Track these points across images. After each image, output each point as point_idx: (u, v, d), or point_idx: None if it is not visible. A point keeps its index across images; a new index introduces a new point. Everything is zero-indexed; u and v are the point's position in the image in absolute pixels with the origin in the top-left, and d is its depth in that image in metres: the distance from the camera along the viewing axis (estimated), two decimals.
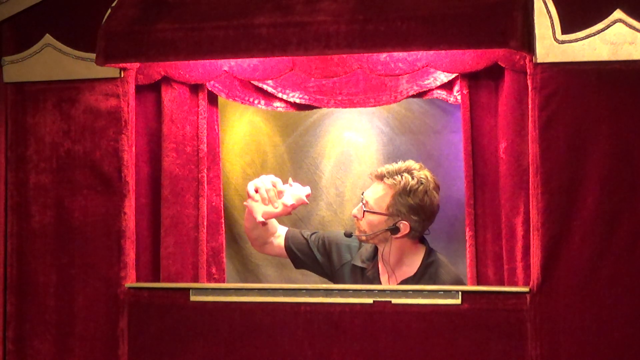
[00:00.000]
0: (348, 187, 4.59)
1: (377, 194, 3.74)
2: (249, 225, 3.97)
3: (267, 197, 3.83)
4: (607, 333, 3.28)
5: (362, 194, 3.81)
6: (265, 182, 3.85)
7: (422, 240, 3.83)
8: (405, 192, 3.69)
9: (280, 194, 3.86)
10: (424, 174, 3.73)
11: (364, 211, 3.74)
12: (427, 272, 3.74)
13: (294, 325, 3.52)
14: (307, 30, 3.38)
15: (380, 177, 3.74)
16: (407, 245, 3.79)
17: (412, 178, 3.69)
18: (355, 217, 3.81)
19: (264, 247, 4.03)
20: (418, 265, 3.77)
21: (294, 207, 3.86)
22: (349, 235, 3.85)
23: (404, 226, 3.71)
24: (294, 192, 3.87)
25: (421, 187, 3.68)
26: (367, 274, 3.82)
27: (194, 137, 3.99)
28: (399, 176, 3.70)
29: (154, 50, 3.51)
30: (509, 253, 3.59)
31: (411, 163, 3.75)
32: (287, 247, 3.94)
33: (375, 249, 3.85)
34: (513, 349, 3.35)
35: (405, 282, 3.75)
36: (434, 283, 3.70)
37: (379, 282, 3.81)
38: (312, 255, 3.92)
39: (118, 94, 3.73)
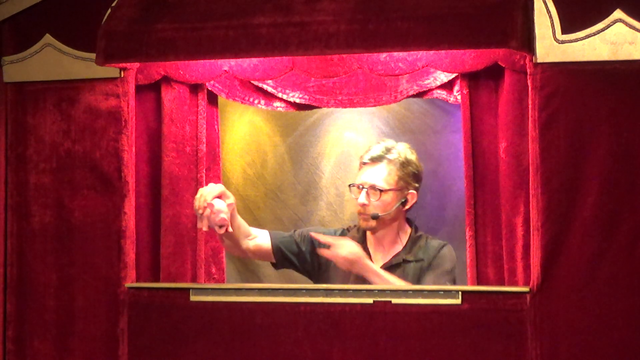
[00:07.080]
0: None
1: (383, 174, 3.79)
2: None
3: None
4: (607, 333, 3.28)
5: (359, 183, 3.81)
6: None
7: (408, 222, 3.91)
8: (407, 163, 3.81)
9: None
10: (404, 144, 3.87)
11: (380, 191, 3.76)
12: (416, 244, 3.83)
13: (294, 325, 3.52)
14: (307, 30, 3.38)
15: (379, 159, 3.81)
16: (401, 224, 3.86)
17: (404, 149, 3.84)
18: (363, 205, 3.79)
19: (233, 249, 3.91)
20: (406, 240, 3.85)
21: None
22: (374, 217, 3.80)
23: (412, 195, 3.83)
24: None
25: (414, 155, 3.84)
26: None
27: (194, 137, 3.99)
28: (395, 151, 3.82)
29: (154, 50, 3.51)
30: (509, 253, 3.59)
31: (388, 141, 3.88)
32: (275, 247, 3.87)
33: (364, 233, 3.88)
34: (513, 349, 3.35)
35: (396, 256, 3.80)
36: (425, 253, 3.77)
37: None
38: (300, 252, 3.89)
39: (118, 94, 3.72)
